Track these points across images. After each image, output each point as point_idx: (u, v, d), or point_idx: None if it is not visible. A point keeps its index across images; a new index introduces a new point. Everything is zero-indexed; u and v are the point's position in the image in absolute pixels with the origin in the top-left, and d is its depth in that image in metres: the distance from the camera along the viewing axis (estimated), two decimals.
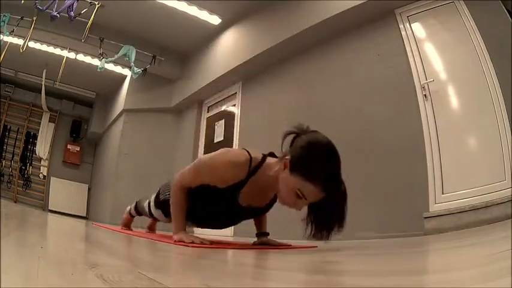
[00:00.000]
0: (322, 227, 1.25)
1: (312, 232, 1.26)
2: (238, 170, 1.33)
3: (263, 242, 1.63)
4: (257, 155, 1.39)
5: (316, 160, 1.18)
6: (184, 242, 1.31)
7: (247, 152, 1.37)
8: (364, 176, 2.87)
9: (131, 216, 2.41)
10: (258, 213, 1.60)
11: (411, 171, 2.61)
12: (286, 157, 1.24)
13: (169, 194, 1.68)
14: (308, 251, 1.50)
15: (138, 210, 2.24)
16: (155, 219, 2.07)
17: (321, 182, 1.17)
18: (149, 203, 1.97)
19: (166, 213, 1.72)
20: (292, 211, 1.30)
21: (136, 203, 2.28)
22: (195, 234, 1.53)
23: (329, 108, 3.34)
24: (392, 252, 1.37)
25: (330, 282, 0.59)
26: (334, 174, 1.21)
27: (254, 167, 1.35)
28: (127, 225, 2.46)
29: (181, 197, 1.43)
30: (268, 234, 1.69)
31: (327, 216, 1.24)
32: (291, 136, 1.28)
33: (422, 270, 0.80)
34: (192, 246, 1.25)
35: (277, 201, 1.41)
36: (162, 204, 1.78)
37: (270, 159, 1.39)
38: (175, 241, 1.35)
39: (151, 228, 2.56)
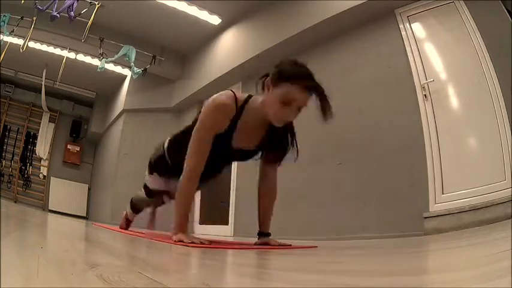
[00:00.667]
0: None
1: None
2: (227, 109, 1.43)
3: (264, 242, 1.63)
4: (242, 94, 1.49)
5: (288, 67, 1.37)
6: (183, 242, 1.31)
7: (232, 92, 1.47)
8: (364, 176, 2.87)
9: (128, 221, 2.42)
10: (247, 157, 1.61)
11: (411, 171, 2.61)
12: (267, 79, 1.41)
13: (160, 152, 1.74)
14: (308, 250, 1.50)
15: (135, 207, 2.23)
16: (153, 195, 2.00)
17: (299, 81, 1.31)
18: (144, 185, 2.01)
19: (161, 172, 1.77)
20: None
21: (131, 201, 2.28)
22: (194, 235, 1.53)
23: None
24: (392, 252, 1.37)
25: (330, 282, 0.59)
26: (307, 74, 1.35)
27: (241, 103, 1.45)
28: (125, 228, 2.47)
29: (190, 187, 1.43)
30: (269, 234, 1.69)
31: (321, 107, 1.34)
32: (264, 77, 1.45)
33: (422, 270, 0.80)
34: (191, 246, 1.25)
35: (274, 123, 1.43)
36: (154, 165, 1.80)
37: (254, 97, 1.49)
38: (174, 241, 1.35)
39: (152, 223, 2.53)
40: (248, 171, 4.08)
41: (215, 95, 1.48)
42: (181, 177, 1.45)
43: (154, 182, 1.89)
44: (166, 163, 1.72)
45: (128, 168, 5.60)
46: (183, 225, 1.43)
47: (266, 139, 1.54)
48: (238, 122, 1.45)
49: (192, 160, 1.43)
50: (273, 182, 1.66)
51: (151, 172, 1.88)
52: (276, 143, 1.54)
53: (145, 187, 2.01)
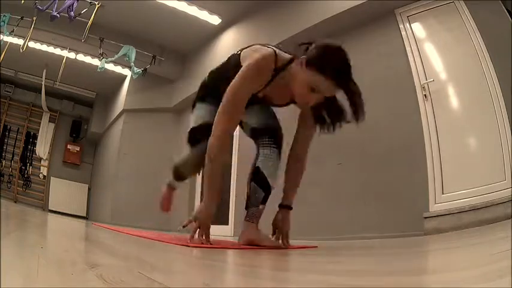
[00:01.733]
0: (338, 117, 1.40)
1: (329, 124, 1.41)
2: (266, 72, 1.36)
3: (276, 224, 1.53)
4: (284, 57, 1.40)
5: (328, 57, 1.28)
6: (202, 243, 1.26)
7: (274, 52, 1.38)
8: (364, 176, 2.87)
9: (170, 189, 1.94)
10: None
11: (411, 171, 2.61)
12: (303, 56, 1.32)
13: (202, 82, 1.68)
14: (308, 251, 1.50)
15: (178, 173, 1.81)
16: (196, 139, 1.58)
17: (332, 75, 1.25)
18: (188, 132, 1.65)
19: (203, 98, 1.61)
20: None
21: (174, 168, 1.82)
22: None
23: None
24: (392, 252, 1.37)
25: (329, 282, 0.59)
26: (343, 70, 1.27)
27: (280, 65, 1.38)
28: (168, 206, 1.97)
29: (219, 151, 1.33)
30: (290, 207, 1.58)
31: (340, 109, 1.37)
32: (304, 46, 1.37)
33: (422, 270, 0.80)
34: (192, 246, 1.25)
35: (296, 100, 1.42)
36: (197, 96, 1.65)
37: (294, 64, 1.38)
38: (188, 243, 1.26)
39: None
40: (247, 171, 4.08)
41: (257, 54, 1.38)
42: (210, 138, 1.34)
43: (198, 113, 1.62)
44: (207, 88, 1.65)
45: (128, 168, 5.60)
46: (210, 208, 1.32)
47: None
48: (271, 82, 1.40)
49: (224, 121, 1.34)
50: (302, 150, 1.57)
51: (194, 105, 1.67)
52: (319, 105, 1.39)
53: (189, 132, 1.64)
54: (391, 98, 2.89)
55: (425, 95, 2.68)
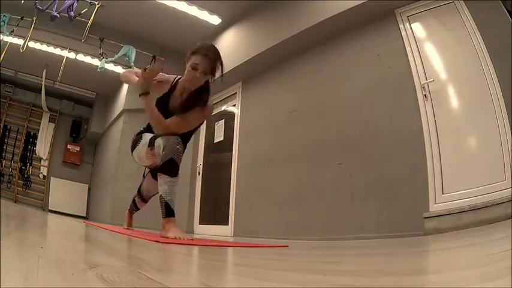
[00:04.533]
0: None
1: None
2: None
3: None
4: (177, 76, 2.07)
5: (196, 46, 1.91)
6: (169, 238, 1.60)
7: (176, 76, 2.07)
8: (364, 176, 2.87)
9: (135, 208, 2.65)
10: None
11: (411, 171, 2.61)
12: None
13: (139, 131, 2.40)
14: (308, 251, 1.50)
15: (141, 192, 2.63)
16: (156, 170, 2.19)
17: (200, 51, 1.86)
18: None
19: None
20: None
21: (138, 190, 2.65)
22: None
23: (329, 108, 3.34)
24: (392, 252, 1.37)
25: (329, 282, 0.59)
26: (207, 47, 1.90)
27: (175, 82, 2.06)
28: (130, 225, 2.68)
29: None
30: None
31: None
32: None
33: (422, 270, 0.80)
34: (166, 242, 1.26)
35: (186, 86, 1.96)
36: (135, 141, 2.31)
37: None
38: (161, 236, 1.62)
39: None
40: (248, 171, 4.08)
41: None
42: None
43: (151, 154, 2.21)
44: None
45: (127, 168, 5.59)
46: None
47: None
48: (175, 85, 2.03)
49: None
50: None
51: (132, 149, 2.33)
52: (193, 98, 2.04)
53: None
54: (391, 98, 2.89)
55: (425, 95, 2.68)
